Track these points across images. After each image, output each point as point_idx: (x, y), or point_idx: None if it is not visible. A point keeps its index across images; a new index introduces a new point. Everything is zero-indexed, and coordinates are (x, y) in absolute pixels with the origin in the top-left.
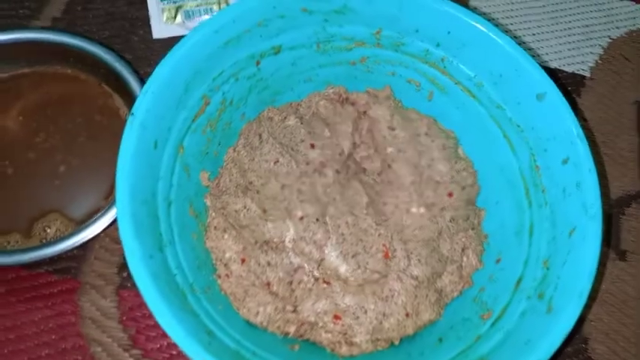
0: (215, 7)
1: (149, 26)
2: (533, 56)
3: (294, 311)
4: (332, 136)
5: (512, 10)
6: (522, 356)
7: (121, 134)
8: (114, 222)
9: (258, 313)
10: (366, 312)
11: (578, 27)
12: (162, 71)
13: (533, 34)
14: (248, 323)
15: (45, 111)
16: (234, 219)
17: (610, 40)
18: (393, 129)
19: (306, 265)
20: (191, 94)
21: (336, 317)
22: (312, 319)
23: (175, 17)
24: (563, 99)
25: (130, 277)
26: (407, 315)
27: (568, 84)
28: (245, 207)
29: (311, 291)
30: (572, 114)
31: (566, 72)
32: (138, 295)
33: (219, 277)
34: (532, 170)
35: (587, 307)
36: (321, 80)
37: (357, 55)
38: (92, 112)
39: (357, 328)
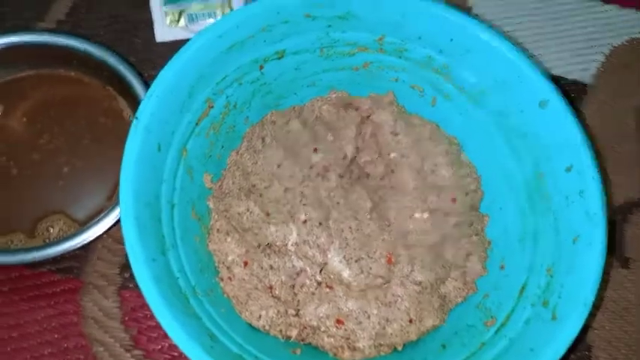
0: (218, 11)
1: (152, 29)
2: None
3: (297, 315)
4: (335, 141)
5: (514, 17)
6: None
7: (125, 136)
8: (117, 223)
9: (260, 316)
10: (369, 317)
11: (580, 34)
12: (167, 75)
13: (535, 42)
14: (250, 327)
15: (49, 113)
16: (237, 222)
17: (612, 48)
18: (396, 134)
19: (308, 268)
20: (195, 98)
21: (339, 322)
22: (315, 323)
23: (179, 20)
24: (567, 106)
25: (132, 277)
26: (410, 321)
27: (570, 91)
28: (248, 210)
29: (313, 295)
30: (576, 121)
31: (568, 79)
32: (140, 295)
33: (222, 280)
34: (535, 177)
35: (592, 315)
36: (325, 85)
37: (360, 61)
38: (96, 114)
39: (359, 333)
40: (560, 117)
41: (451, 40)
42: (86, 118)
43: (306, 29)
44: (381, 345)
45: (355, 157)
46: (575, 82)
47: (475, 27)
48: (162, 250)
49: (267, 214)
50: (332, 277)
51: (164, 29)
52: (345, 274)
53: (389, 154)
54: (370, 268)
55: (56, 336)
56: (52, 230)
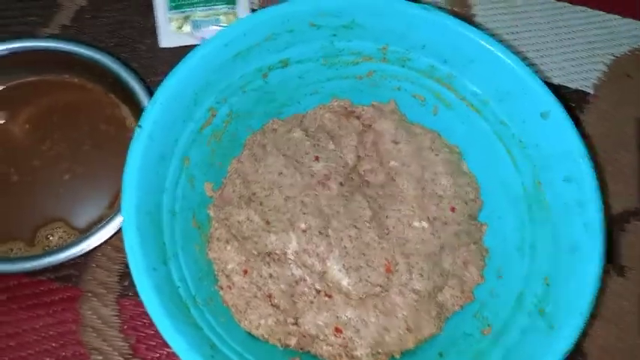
0: (222, 18)
1: (156, 35)
2: (536, 72)
3: (296, 324)
4: (336, 149)
5: (516, 26)
6: None
7: (126, 144)
8: (117, 231)
9: (259, 325)
10: (367, 325)
11: (582, 44)
12: (171, 83)
13: (537, 50)
14: (249, 335)
15: (51, 119)
16: (237, 230)
17: (613, 58)
18: (397, 143)
19: (307, 277)
20: (199, 106)
21: (337, 330)
22: (313, 331)
23: (183, 27)
24: (568, 118)
25: (131, 285)
26: (408, 329)
27: (571, 100)
28: (248, 218)
29: (312, 303)
30: (577, 133)
31: (569, 88)
32: (139, 304)
33: (222, 288)
34: (534, 187)
35: (588, 325)
36: (327, 93)
37: (364, 70)
38: (98, 121)
39: (357, 341)
40: (561, 128)
41: (455, 49)
42: (88, 125)
43: (310, 38)
44: (378, 353)
45: (356, 165)
46: (576, 91)
47: (479, 37)
48: (163, 260)
49: (267, 223)
50: (331, 285)
51: (168, 35)
52: (344, 282)
53: (389, 163)
54: (369, 277)
55: (54, 344)
56: (51, 238)
